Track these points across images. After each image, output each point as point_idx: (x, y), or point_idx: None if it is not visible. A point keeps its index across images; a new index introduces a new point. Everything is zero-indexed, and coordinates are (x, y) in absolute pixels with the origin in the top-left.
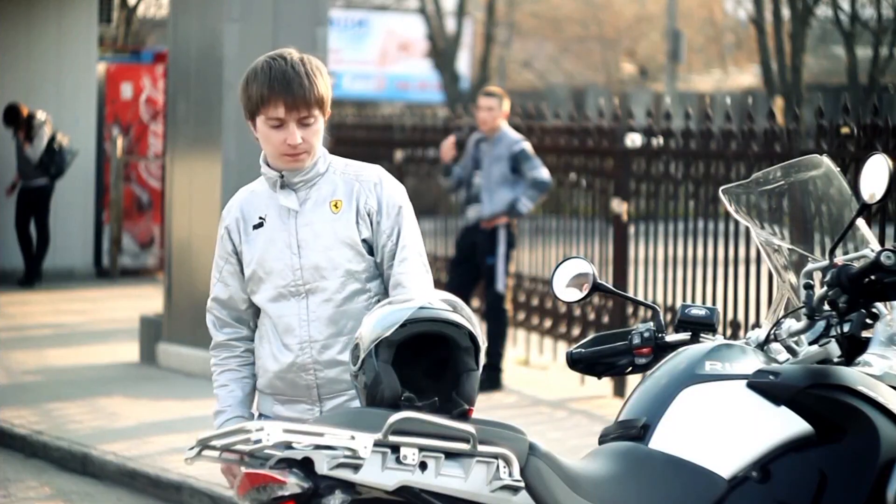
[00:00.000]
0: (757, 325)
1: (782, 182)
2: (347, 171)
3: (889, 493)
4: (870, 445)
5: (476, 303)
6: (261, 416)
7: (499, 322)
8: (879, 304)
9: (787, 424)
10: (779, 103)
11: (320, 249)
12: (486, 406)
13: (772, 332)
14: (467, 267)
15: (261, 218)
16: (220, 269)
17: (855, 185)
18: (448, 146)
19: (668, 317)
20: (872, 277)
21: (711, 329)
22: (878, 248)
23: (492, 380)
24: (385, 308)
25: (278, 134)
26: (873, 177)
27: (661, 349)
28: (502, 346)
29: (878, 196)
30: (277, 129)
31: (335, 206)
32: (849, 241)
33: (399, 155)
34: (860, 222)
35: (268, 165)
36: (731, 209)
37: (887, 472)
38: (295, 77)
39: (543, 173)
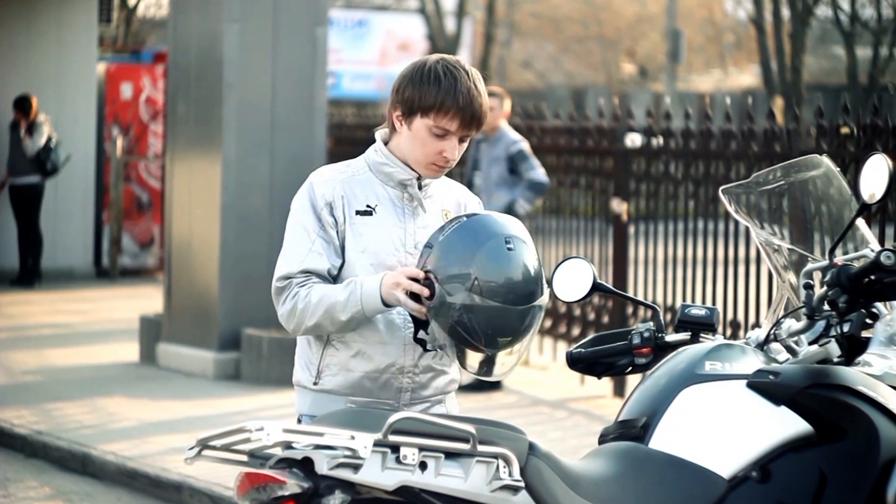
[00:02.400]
0: (757, 325)
1: (782, 182)
2: (442, 183)
3: (889, 493)
4: (870, 445)
5: None
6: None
7: None
8: (879, 304)
9: (787, 424)
10: (778, 103)
11: None
12: (485, 406)
13: (772, 331)
14: None
15: (369, 206)
16: (312, 240)
17: (855, 185)
18: None
19: (668, 317)
20: (872, 277)
21: (711, 329)
22: (877, 247)
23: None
24: None
25: (438, 143)
26: (873, 177)
27: (661, 349)
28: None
29: (878, 196)
30: (439, 138)
31: (446, 214)
32: (848, 240)
33: None
34: (860, 222)
35: (401, 162)
36: (730, 209)
37: (887, 471)
38: (477, 97)
39: (540, 174)
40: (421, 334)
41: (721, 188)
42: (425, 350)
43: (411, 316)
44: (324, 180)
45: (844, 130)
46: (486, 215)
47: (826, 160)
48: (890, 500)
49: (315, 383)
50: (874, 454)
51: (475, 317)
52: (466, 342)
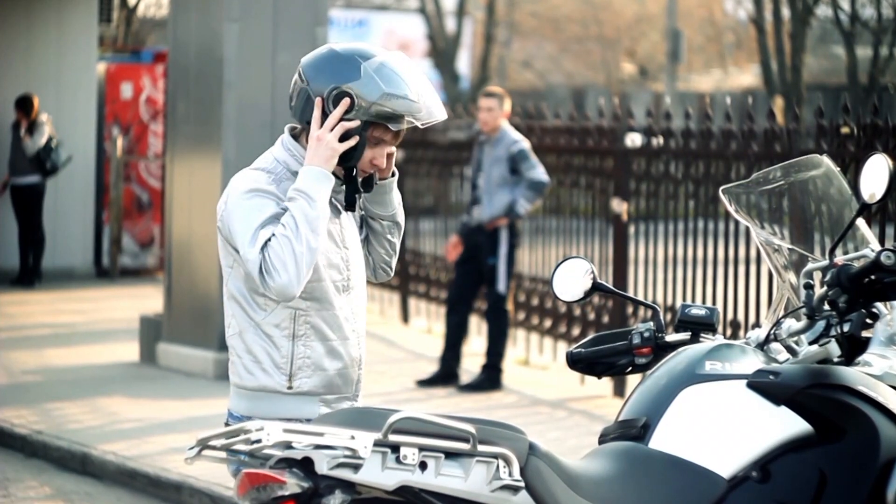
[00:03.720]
0: (757, 324)
1: (782, 182)
2: None
3: (889, 493)
4: (870, 445)
5: (478, 303)
6: (307, 421)
7: (500, 322)
8: (879, 304)
9: (787, 424)
10: (779, 103)
11: (356, 246)
12: (485, 406)
13: (772, 331)
14: (471, 267)
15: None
16: (269, 212)
17: (855, 185)
18: (453, 245)
19: (668, 316)
20: (872, 277)
21: (711, 329)
22: (878, 247)
23: (492, 380)
24: None
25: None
26: (873, 176)
27: (661, 349)
28: (503, 347)
29: (878, 196)
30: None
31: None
32: (849, 240)
33: (399, 155)
34: (860, 222)
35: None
36: (731, 209)
37: (887, 471)
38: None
39: (540, 174)
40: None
41: (721, 188)
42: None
43: (348, 193)
44: (255, 178)
45: (845, 130)
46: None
47: (826, 160)
48: (890, 500)
49: (290, 387)
50: (874, 454)
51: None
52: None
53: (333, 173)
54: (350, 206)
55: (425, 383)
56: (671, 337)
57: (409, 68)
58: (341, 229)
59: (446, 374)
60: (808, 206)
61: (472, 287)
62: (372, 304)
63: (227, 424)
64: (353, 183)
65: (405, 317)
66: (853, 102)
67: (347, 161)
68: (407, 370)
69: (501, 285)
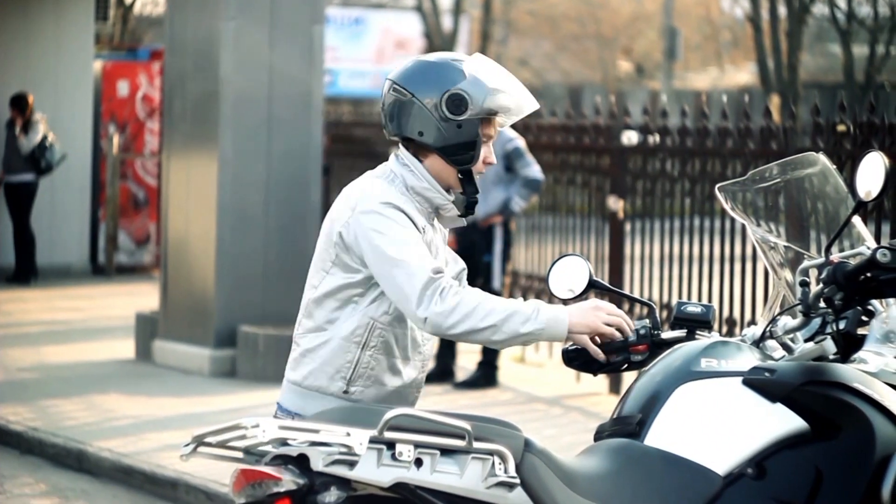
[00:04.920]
0: (753, 322)
1: (778, 179)
2: None
3: (884, 490)
4: (865, 442)
5: None
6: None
7: None
8: (875, 302)
9: (783, 421)
10: (775, 101)
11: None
12: (481, 403)
13: (768, 329)
14: (467, 265)
15: (422, 227)
16: (419, 244)
17: (851, 183)
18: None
19: (664, 314)
20: (868, 275)
21: (707, 326)
22: (873, 245)
23: (488, 377)
24: None
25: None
26: (869, 174)
27: (657, 346)
28: None
29: (874, 193)
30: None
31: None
32: (845, 238)
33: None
34: (856, 219)
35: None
36: (727, 206)
37: (882, 468)
38: None
39: (535, 171)
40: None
41: (717, 186)
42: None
43: (469, 195)
44: (393, 196)
45: (841, 128)
46: None
47: (822, 158)
48: (885, 497)
49: (346, 391)
50: (869, 451)
51: None
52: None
53: (447, 188)
54: (470, 208)
55: None
56: (667, 334)
57: (497, 67)
58: (437, 253)
59: (442, 371)
60: (804, 204)
61: (469, 285)
62: None
63: (275, 416)
64: (472, 184)
65: None
66: (850, 100)
67: (468, 163)
68: None
69: (496, 282)
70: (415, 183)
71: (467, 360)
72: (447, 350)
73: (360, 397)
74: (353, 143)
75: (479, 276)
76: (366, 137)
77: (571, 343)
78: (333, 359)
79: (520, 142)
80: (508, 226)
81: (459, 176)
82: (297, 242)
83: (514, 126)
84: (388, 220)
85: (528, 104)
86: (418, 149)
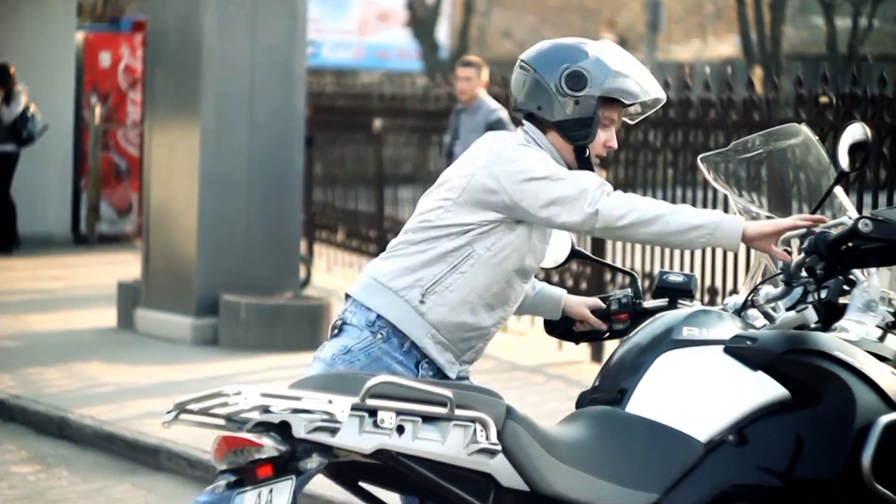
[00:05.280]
0: (735, 291)
1: (761, 150)
2: None
3: (864, 458)
4: (846, 410)
5: None
6: (409, 344)
7: None
8: (857, 271)
9: (764, 389)
10: (758, 73)
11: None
12: None
13: (749, 298)
14: None
15: None
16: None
17: (833, 154)
18: None
19: (646, 283)
20: (850, 244)
21: (689, 295)
22: (855, 215)
23: None
24: None
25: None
26: (851, 145)
27: (639, 315)
28: None
29: (856, 164)
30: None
31: None
32: (826, 208)
33: (378, 123)
34: (838, 190)
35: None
36: (709, 177)
37: (863, 436)
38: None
39: None
40: None
41: (700, 156)
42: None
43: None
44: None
45: (823, 100)
46: None
47: (804, 129)
48: (865, 465)
49: (422, 301)
50: (850, 419)
51: None
52: None
53: (567, 163)
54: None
55: None
56: (649, 303)
57: (625, 54)
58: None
59: None
60: (786, 175)
61: None
62: (350, 271)
63: (344, 304)
64: (585, 162)
65: None
66: (832, 72)
67: (583, 139)
68: None
69: None
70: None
71: None
72: None
73: (429, 314)
74: (335, 115)
75: None
76: (348, 108)
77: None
78: (421, 268)
79: (503, 113)
80: None
81: (575, 153)
82: (280, 212)
83: (497, 97)
84: (538, 154)
85: (653, 91)
86: (540, 125)
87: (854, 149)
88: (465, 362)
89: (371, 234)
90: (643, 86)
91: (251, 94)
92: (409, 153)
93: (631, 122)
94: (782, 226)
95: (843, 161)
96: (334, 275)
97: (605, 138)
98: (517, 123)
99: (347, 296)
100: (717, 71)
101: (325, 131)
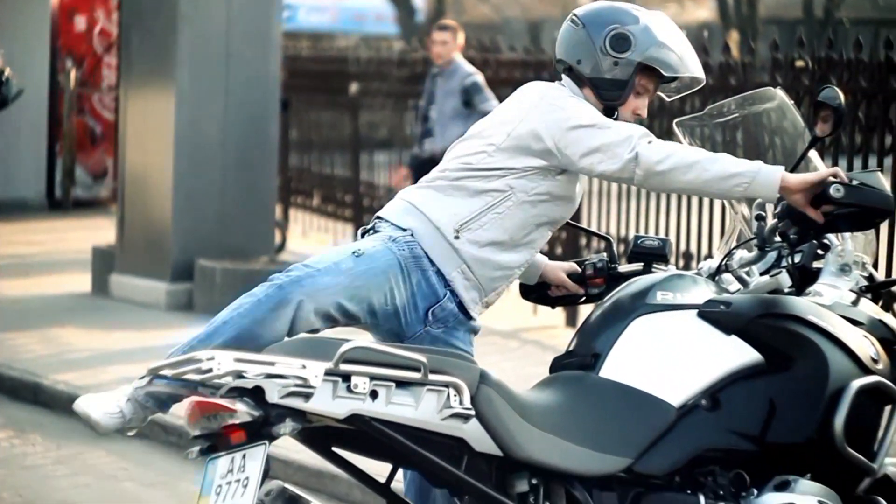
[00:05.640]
0: (709, 256)
1: (736, 114)
2: None
3: (836, 422)
4: (818, 374)
5: None
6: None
7: None
8: (831, 236)
9: (737, 353)
10: (734, 36)
11: None
12: None
13: (723, 262)
14: None
15: None
16: None
17: (808, 118)
18: (402, 176)
19: (622, 248)
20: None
21: (664, 260)
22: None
23: None
24: None
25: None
26: (826, 109)
27: (614, 279)
28: None
29: (830, 129)
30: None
31: None
32: (801, 172)
33: (354, 87)
34: (812, 154)
35: None
36: (685, 141)
37: (835, 401)
38: None
39: (494, 106)
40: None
41: (675, 120)
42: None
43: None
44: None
45: (799, 64)
46: None
47: (780, 93)
48: (837, 429)
49: (456, 237)
50: (823, 383)
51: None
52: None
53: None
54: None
55: None
56: (624, 267)
57: (675, 29)
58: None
59: None
60: (761, 139)
61: None
62: (325, 235)
63: (374, 224)
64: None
65: None
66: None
67: (613, 100)
68: None
69: None
70: None
71: None
72: None
73: (462, 249)
74: (311, 78)
75: None
76: (324, 72)
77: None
78: (460, 202)
79: (478, 77)
80: None
81: (604, 113)
82: (255, 177)
83: (472, 61)
84: (584, 104)
85: (694, 69)
86: (577, 79)
87: (828, 113)
88: (487, 304)
89: (347, 199)
90: (685, 62)
91: (227, 59)
92: (385, 117)
93: (666, 98)
94: (825, 174)
95: (818, 126)
96: (310, 240)
97: (636, 105)
98: (554, 79)
99: (378, 217)
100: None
101: (300, 95)
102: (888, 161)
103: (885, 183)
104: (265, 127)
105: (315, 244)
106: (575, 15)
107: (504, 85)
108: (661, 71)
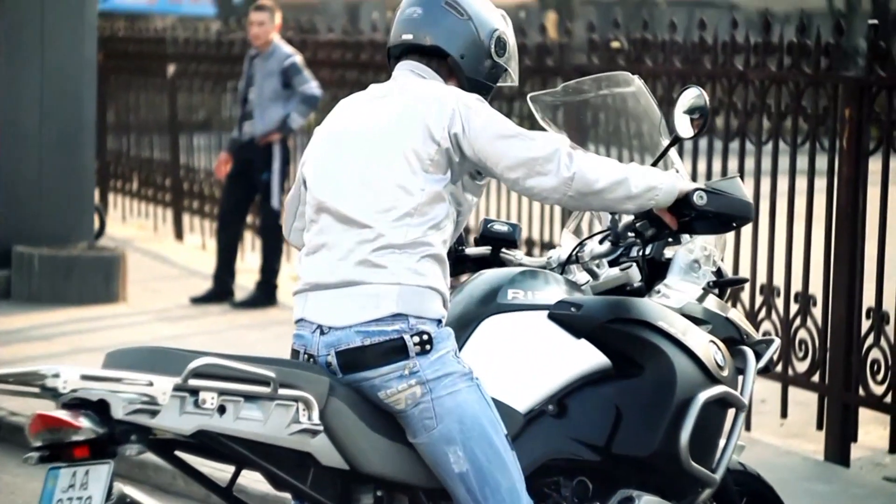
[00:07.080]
0: (550, 244)
1: (592, 94)
2: None
3: (682, 435)
4: (666, 384)
5: (251, 218)
6: None
7: (274, 238)
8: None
9: (586, 358)
10: (551, 18)
11: None
12: (261, 322)
13: (574, 253)
14: (243, 183)
15: None
16: None
17: (668, 117)
18: (222, 161)
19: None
20: (684, 215)
21: (513, 245)
22: (687, 179)
23: (267, 296)
24: None
25: None
26: (688, 110)
27: (461, 262)
28: (277, 263)
29: (692, 132)
30: None
31: None
32: (660, 167)
33: (171, 69)
34: (672, 153)
35: None
36: (538, 116)
37: (682, 413)
38: None
39: (313, 88)
40: None
41: (530, 95)
42: None
43: None
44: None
45: (615, 45)
46: None
47: (637, 79)
48: (682, 445)
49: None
50: (670, 393)
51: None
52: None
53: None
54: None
55: (200, 300)
56: (472, 250)
57: None
58: None
59: (221, 291)
60: (618, 124)
61: (244, 203)
62: (145, 221)
63: None
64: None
65: (179, 233)
66: (624, 17)
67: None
68: (181, 287)
69: (275, 200)
70: None
71: (246, 279)
72: (225, 270)
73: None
74: (128, 59)
75: (257, 194)
76: (141, 53)
77: None
78: (439, 279)
79: (297, 58)
80: (287, 143)
81: None
82: (73, 160)
83: (291, 42)
84: (488, 108)
85: (516, 79)
86: (440, 69)
87: (690, 113)
88: None
89: (166, 183)
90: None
91: (42, 41)
92: (204, 99)
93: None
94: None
95: (679, 126)
96: (129, 225)
97: None
98: (373, 61)
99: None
100: (511, 15)
101: (117, 76)
102: (734, 144)
103: (745, 190)
104: (81, 108)
105: (135, 229)
106: (458, 3)
107: (322, 66)
108: (512, 81)
